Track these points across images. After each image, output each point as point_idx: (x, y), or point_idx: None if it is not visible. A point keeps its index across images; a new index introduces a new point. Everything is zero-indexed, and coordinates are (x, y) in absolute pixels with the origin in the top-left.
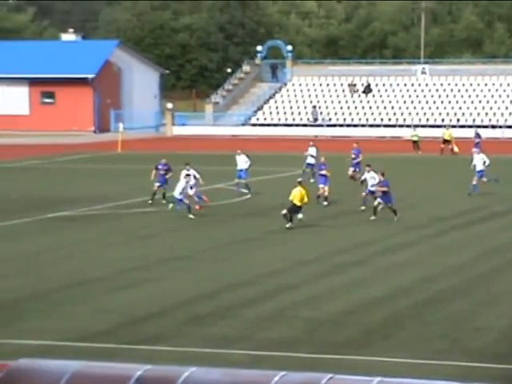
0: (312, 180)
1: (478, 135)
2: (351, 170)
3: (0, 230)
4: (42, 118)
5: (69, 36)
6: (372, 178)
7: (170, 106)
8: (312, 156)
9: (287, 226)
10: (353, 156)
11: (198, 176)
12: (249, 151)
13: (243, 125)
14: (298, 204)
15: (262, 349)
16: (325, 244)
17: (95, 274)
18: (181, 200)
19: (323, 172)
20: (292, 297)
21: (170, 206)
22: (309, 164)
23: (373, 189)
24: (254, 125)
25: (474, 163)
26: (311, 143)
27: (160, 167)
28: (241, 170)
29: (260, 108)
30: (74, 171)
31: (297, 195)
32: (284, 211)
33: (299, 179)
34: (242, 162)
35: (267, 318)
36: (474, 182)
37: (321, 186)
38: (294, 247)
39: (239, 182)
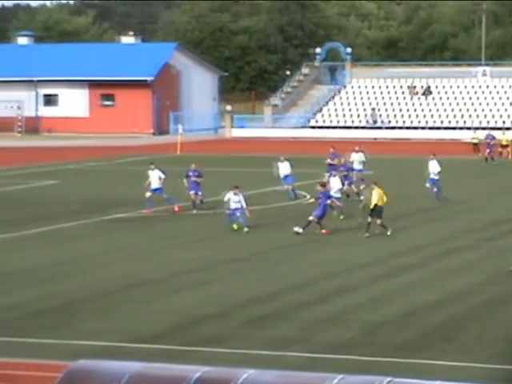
0: (363, 186)
1: None
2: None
3: (59, 232)
4: (102, 121)
5: (128, 39)
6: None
7: (228, 108)
8: (360, 162)
9: (366, 235)
10: (329, 161)
11: (162, 176)
12: (307, 154)
13: (302, 127)
14: (380, 204)
15: (319, 351)
16: (382, 246)
17: (153, 275)
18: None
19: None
20: (350, 299)
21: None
22: (358, 170)
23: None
24: (312, 127)
25: None
26: (357, 148)
27: (190, 174)
28: (286, 176)
29: (319, 110)
30: (132, 173)
31: (377, 197)
32: (368, 219)
33: (374, 180)
34: (286, 168)
35: (325, 320)
36: None
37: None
38: (352, 249)
39: (288, 187)
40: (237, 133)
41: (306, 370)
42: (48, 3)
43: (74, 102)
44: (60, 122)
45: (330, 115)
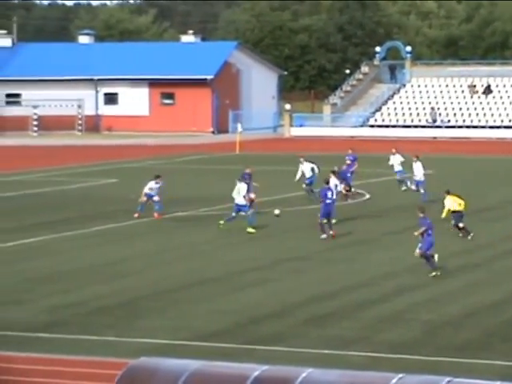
0: (404, 188)
1: None
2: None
3: (119, 230)
4: (162, 119)
5: (188, 37)
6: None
7: (288, 106)
8: (399, 163)
9: (470, 236)
10: (348, 162)
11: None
12: (367, 153)
13: (361, 126)
14: (459, 209)
15: (380, 351)
16: (442, 246)
17: (212, 274)
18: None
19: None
20: (411, 299)
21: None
22: (398, 171)
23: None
24: (372, 126)
25: None
26: (393, 151)
27: (246, 177)
28: (310, 177)
29: (378, 109)
30: (192, 172)
31: (451, 203)
32: (461, 225)
33: (447, 189)
34: (308, 169)
35: (386, 319)
36: None
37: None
38: (412, 249)
39: (307, 188)
40: (296, 132)
41: (367, 370)
42: (108, 3)
43: (134, 101)
44: (120, 120)
45: (389, 114)
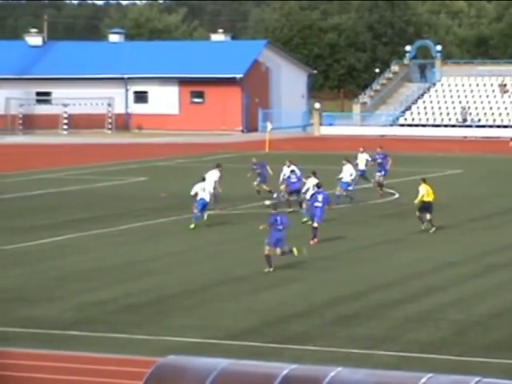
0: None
1: None
2: (378, 175)
3: (149, 228)
4: (191, 118)
5: (218, 36)
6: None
7: (317, 105)
8: (365, 163)
9: (423, 228)
10: (379, 161)
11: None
12: (397, 152)
13: (391, 125)
14: (427, 199)
15: (408, 350)
16: (470, 245)
17: (241, 272)
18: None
19: None
20: (439, 298)
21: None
22: (361, 170)
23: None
24: (402, 125)
25: None
26: (361, 149)
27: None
28: (347, 181)
29: (408, 108)
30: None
31: (425, 192)
32: (417, 213)
33: (423, 178)
34: (348, 172)
35: (414, 319)
36: None
37: None
38: (439, 248)
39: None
40: (325, 130)
41: (396, 369)
42: (138, 2)
43: (164, 100)
44: (149, 119)
45: (419, 113)
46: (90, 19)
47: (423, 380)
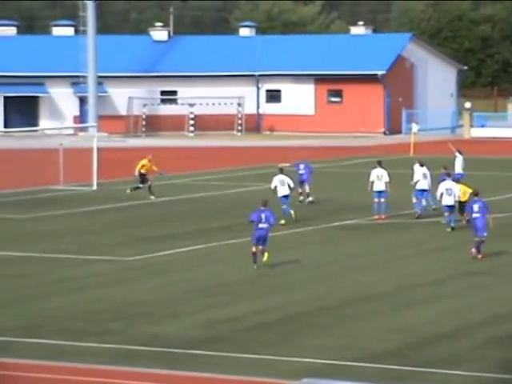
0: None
1: None
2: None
3: (283, 239)
4: (328, 119)
5: (358, 29)
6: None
7: (468, 105)
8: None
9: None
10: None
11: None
12: None
13: None
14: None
15: None
16: None
17: (382, 288)
18: None
19: None
20: None
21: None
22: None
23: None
24: None
25: None
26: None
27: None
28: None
29: None
30: (361, 175)
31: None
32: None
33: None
34: (420, 174)
35: None
36: None
37: None
38: None
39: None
40: (476, 133)
41: None
42: None
43: (299, 99)
44: (282, 120)
45: None
46: (219, 12)
47: None
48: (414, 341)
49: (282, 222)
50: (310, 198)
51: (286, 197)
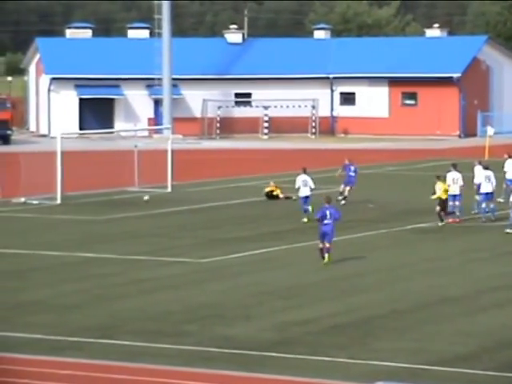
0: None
1: None
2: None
3: (355, 242)
4: (402, 121)
5: (433, 31)
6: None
7: None
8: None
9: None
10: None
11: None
12: None
13: None
14: (445, 197)
15: None
16: None
17: (456, 292)
18: None
19: None
20: None
21: None
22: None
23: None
24: None
25: None
26: (506, 156)
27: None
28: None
29: None
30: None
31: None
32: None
33: (437, 174)
34: (481, 176)
35: None
36: None
37: None
38: None
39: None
40: None
41: None
42: None
43: (373, 101)
44: (356, 122)
45: None
46: (294, 14)
47: None
48: (490, 345)
49: (305, 219)
50: (343, 202)
51: (306, 197)
